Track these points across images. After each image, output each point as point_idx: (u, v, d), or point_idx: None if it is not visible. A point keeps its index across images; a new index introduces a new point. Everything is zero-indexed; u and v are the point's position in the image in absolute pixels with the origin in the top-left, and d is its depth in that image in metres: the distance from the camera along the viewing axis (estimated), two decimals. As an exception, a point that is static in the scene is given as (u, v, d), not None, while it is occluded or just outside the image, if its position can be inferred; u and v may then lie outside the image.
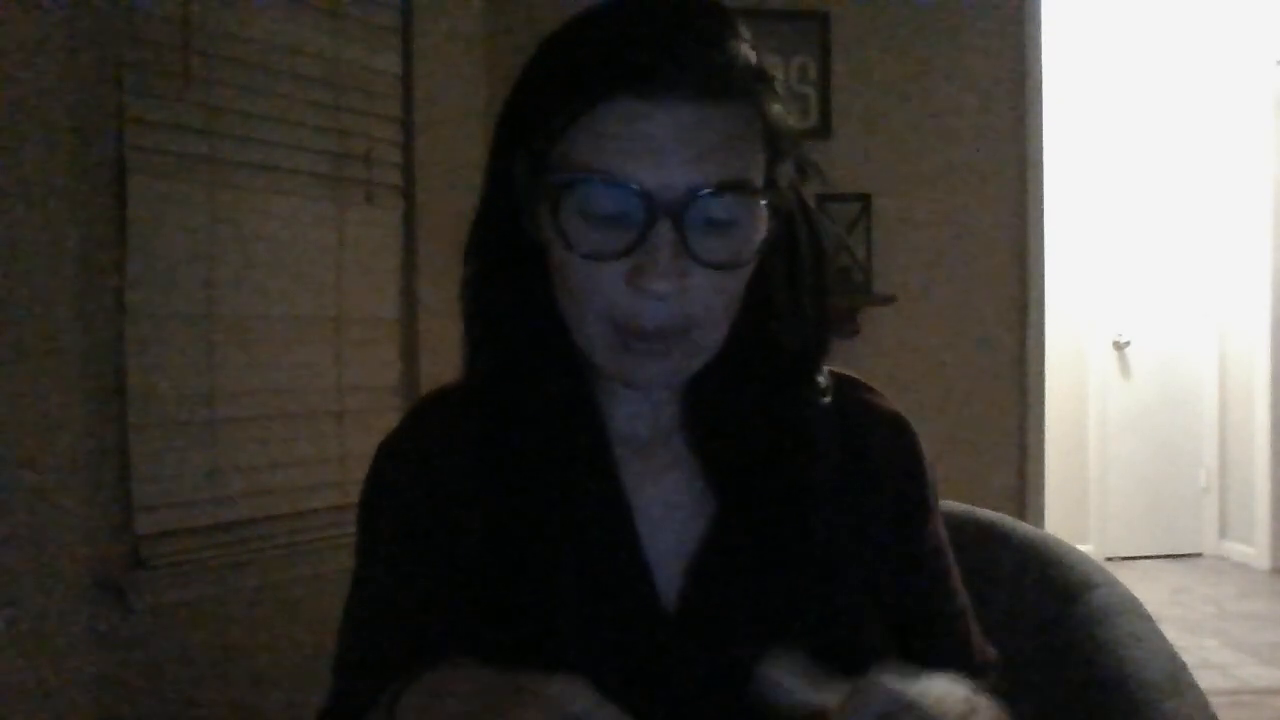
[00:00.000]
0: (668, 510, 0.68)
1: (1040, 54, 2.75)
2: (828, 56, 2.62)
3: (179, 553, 1.72)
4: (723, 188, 0.59)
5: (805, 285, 0.70)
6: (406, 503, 0.71)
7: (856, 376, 0.77)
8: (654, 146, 0.58)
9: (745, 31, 0.63)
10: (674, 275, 0.59)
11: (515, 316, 0.68)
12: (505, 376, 0.69)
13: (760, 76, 0.62)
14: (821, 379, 0.73)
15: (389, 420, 0.77)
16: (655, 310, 0.61)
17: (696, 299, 0.61)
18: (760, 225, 0.63)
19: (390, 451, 0.75)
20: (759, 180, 0.62)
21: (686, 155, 0.58)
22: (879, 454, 0.73)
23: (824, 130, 2.61)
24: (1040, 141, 2.75)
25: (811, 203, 0.72)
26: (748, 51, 0.62)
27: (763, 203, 0.62)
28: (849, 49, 2.65)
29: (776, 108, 0.63)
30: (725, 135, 0.60)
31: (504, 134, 0.67)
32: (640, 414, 0.71)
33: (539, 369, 0.68)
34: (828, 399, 0.73)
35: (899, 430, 0.75)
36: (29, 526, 1.52)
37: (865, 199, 2.60)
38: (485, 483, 0.68)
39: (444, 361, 2.01)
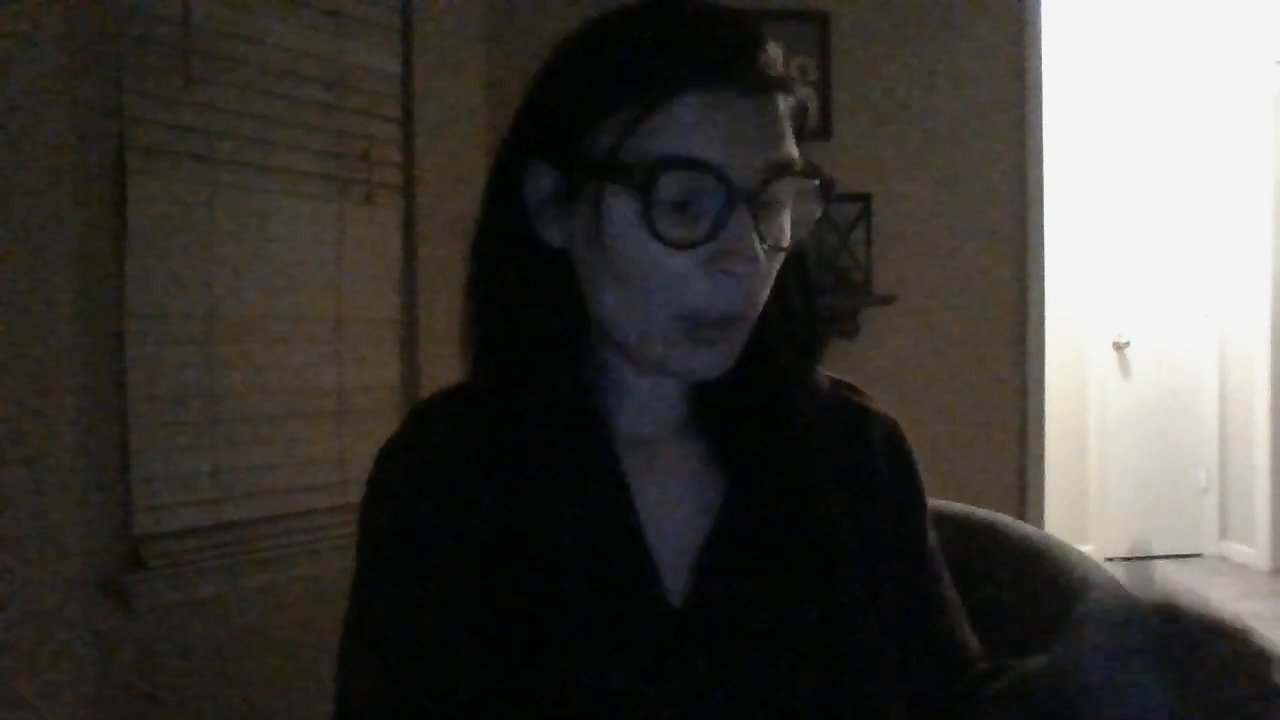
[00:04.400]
0: (673, 508, 0.69)
1: (1040, 54, 2.75)
2: (828, 56, 2.61)
3: (179, 553, 1.71)
4: (793, 171, 0.63)
5: (803, 283, 0.72)
6: (408, 506, 0.71)
7: (849, 381, 0.79)
8: (729, 135, 0.61)
9: None
10: (757, 257, 0.61)
11: (519, 318, 0.68)
12: (508, 378, 0.69)
13: (790, 73, 0.66)
14: (819, 383, 0.75)
15: (389, 420, 0.77)
16: (732, 294, 0.62)
17: (762, 283, 0.65)
18: (814, 208, 0.66)
19: (391, 454, 0.75)
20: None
21: (757, 143, 0.61)
22: (876, 456, 0.75)
23: (824, 130, 2.60)
24: (1040, 141, 2.75)
25: None
26: (778, 50, 0.66)
27: (815, 183, 0.65)
28: (849, 49, 2.64)
29: (803, 101, 0.67)
30: (781, 125, 0.63)
31: (523, 136, 0.67)
32: (645, 413, 0.72)
33: (541, 370, 0.68)
34: (828, 402, 0.75)
35: (893, 433, 0.77)
36: (29, 526, 1.52)
37: (865, 199, 2.59)
38: (488, 485, 0.68)
39: (444, 361, 2.03)
